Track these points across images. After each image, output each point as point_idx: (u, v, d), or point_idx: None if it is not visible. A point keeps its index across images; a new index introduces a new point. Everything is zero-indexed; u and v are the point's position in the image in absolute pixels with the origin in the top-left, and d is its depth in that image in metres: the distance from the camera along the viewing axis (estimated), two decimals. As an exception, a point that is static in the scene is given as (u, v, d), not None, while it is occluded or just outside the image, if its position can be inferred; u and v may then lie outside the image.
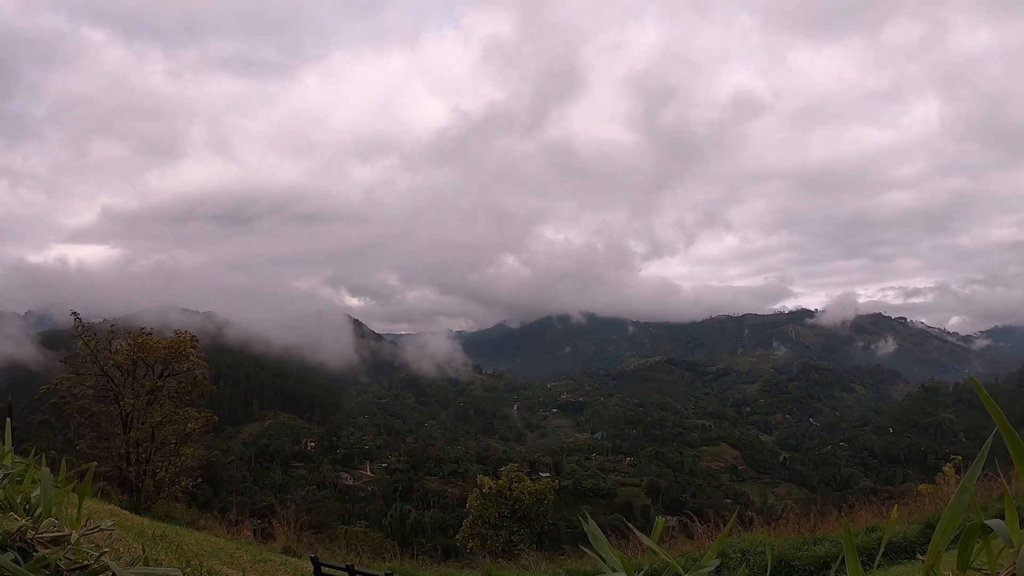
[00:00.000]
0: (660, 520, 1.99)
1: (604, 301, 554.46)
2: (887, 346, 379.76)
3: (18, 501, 1.87)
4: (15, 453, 2.37)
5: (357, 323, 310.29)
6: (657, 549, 1.80)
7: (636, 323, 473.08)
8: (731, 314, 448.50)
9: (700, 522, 14.00)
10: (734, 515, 2.60)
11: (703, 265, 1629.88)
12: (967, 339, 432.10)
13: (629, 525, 2.07)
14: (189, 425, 20.83)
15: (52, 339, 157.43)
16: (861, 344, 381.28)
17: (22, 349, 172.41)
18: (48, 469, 1.96)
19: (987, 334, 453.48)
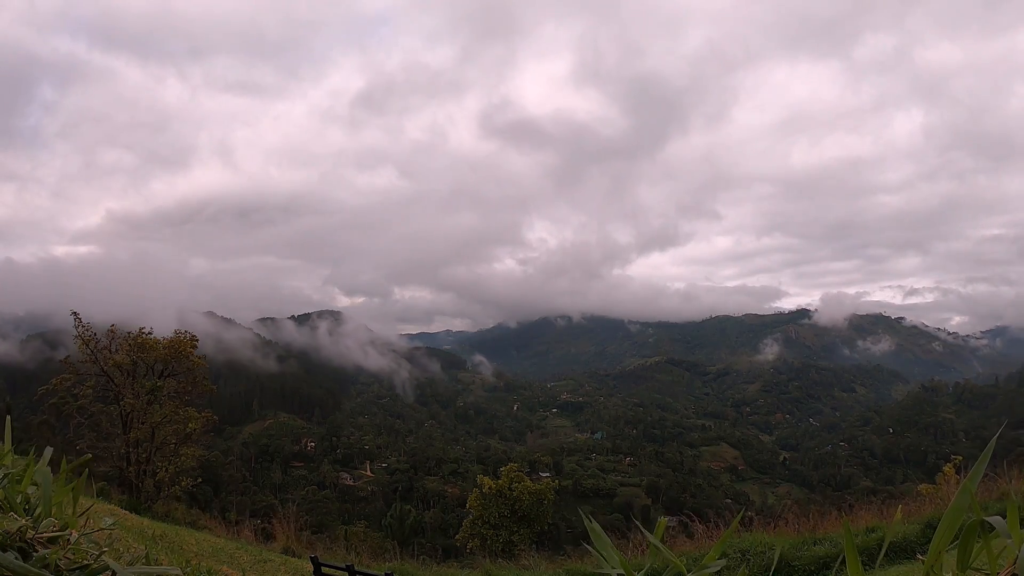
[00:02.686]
0: (663, 520, 1.99)
1: (603, 301, 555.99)
2: (887, 346, 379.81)
3: (18, 501, 1.87)
4: (15, 453, 2.36)
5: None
6: (663, 548, 1.80)
7: (636, 323, 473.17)
8: (731, 314, 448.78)
9: (700, 522, 13.98)
10: (738, 515, 2.58)
11: (697, 266, 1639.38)
12: (966, 339, 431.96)
13: (640, 527, 2.11)
14: (189, 425, 20.79)
15: (52, 339, 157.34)
16: (861, 344, 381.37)
17: (22, 349, 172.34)
18: (48, 468, 1.97)
19: (987, 334, 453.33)
